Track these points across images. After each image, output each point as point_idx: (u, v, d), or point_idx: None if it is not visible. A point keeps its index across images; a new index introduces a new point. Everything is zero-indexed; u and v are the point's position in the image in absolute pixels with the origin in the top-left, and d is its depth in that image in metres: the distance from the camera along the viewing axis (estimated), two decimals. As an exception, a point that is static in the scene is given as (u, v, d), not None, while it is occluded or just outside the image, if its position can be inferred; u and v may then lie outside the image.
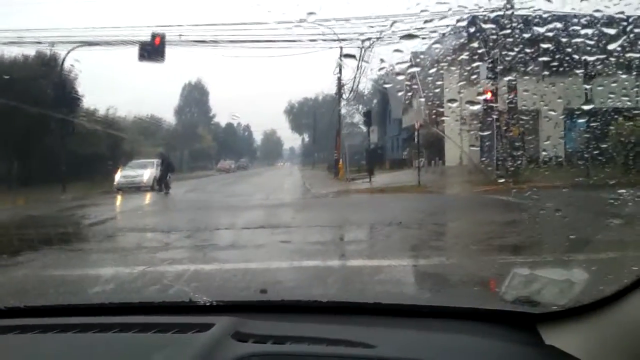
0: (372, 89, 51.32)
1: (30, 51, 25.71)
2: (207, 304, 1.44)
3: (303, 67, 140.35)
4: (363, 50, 16.86)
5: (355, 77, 29.26)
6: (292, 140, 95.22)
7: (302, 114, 76.88)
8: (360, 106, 48.98)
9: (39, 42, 23.91)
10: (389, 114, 43.16)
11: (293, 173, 44.01)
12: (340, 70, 28.91)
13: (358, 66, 24.64)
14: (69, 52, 24.22)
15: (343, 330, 1.25)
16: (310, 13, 3.84)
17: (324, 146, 53.74)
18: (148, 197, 20.19)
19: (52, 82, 24.78)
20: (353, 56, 18.41)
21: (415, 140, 22.25)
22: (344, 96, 30.98)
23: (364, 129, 28.88)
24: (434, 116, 20.20)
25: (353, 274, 5.69)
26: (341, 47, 23.98)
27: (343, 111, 34.11)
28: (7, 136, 22.49)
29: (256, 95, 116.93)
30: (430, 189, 16.93)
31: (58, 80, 25.11)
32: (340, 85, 29.80)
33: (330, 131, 40.01)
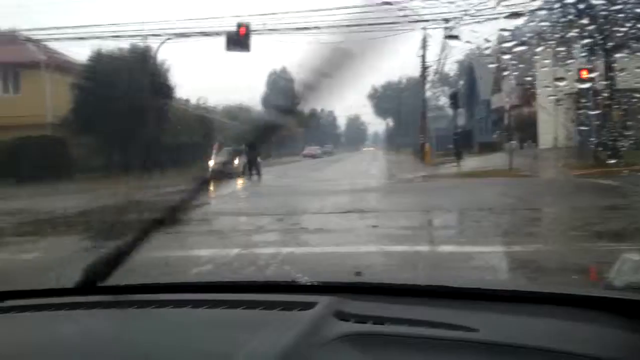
0: (457, 70, 49.76)
1: (124, 44, 27.36)
2: (309, 284, 1.49)
3: (386, 50, 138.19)
4: (450, 30, 16.36)
5: (439, 59, 28.49)
6: (376, 125, 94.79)
7: (385, 98, 76.10)
8: (446, 88, 47.64)
9: (135, 35, 25.41)
10: (476, 95, 41.60)
11: (377, 158, 43.75)
12: (424, 51, 28.24)
13: (444, 47, 23.92)
14: (161, 44, 25.54)
15: (442, 313, 1.25)
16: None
17: (409, 130, 52.90)
18: (240, 182, 20.95)
19: (148, 73, 26.18)
20: (456, 37, 17.72)
21: (506, 122, 21.34)
22: (428, 78, 30.26)
23: (450, 111, 28.12)
24: (529, 96, 19.21)
25: (443, 260, 5.61)
26: (425, 28, 23.41)
27: (428, 94, 33.34)
28: (107, 125, 23.97)
29: (339, 80, 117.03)
30: (524, 173, 16.15)
31: (153, 72, 26.51)
32: (424, 67, 29.10)
33: (414, 115, 39.27)
